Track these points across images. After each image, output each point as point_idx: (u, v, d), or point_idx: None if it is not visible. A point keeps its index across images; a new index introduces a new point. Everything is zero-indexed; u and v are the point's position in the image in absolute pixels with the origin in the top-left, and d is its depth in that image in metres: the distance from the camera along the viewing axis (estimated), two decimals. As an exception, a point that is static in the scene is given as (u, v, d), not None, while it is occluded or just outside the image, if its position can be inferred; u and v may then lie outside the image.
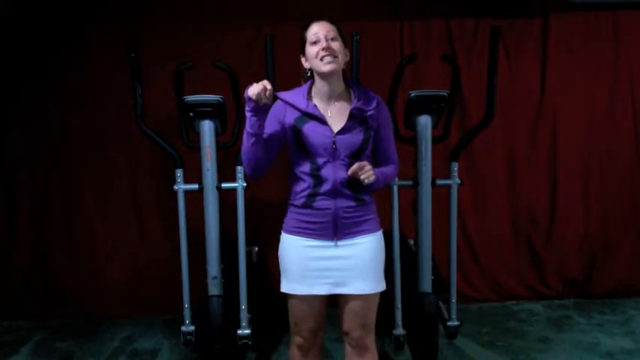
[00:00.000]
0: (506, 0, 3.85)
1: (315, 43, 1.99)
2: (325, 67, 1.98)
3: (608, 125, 4.02)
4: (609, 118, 4.02)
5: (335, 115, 2.03)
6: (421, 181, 2.98)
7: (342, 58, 2.03)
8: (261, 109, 1.93)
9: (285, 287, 2.10)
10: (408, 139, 3.09)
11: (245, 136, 2.00)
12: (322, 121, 2.00)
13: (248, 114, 1.94)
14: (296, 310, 2.11)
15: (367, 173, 1.94)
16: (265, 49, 2.86)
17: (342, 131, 1.99)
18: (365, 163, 1.96)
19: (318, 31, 2.00)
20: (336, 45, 1.99)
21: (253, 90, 1.87)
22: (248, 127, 1.96)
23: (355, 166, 1.93)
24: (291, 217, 2.09)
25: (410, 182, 3.01)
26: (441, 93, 2.90)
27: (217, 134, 3.02)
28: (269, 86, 1.88)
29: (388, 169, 2.15)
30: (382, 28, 3.86)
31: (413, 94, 2.87)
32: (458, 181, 3.03)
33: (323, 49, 1.97)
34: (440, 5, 3.90)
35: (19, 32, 3.75)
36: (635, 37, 3.97)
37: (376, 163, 2.14)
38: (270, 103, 1.94)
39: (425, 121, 2.95)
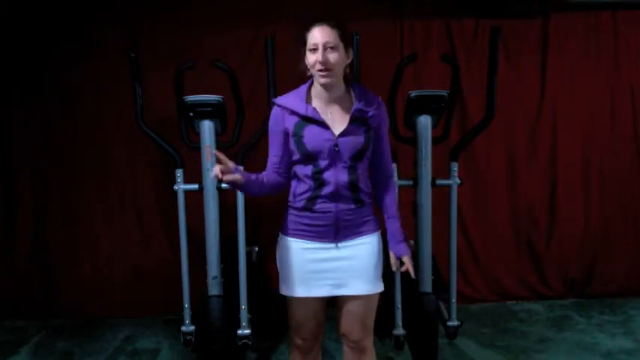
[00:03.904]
0: (506, 0, 3.85)
1: (313, 50, 1.93)
2: (320, 80, 1.95)
3: (608, 125, 4.02)
4: (609, 118, 4.02)
5: (335, 117, 1.99)
6: (421, 181, 2.98)
7: (341, 65, 1.97)
8: (239, 185, 1.96)
9: (285, 290, 2.09)
10: (408, 139, 3.09)
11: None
12: (323, 124, 1.96)
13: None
14: (296, 312, 2.10)
15: (411, 267, 2.12)
16: (265, 50, 2.86)
17: (343, 134, 1.96)
18: (408, 264, 2.11)
19: (318, 38, 1.91)
20: (334, 56, 1.91)
21: (224, 176, 1.88)
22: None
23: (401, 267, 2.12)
24: (291, 219, 2.07)
25: (410, 182, 3.01)
26: (441, 93, 2.91)
27: (217, 134, 3.02)
28: (218, 172, 1.85)
29: (392, 199, 2.16)
30: (382, 28, 3.86)
31: (413, 94, 2.88)
32: (458, 181, 3.03)
33: (319, 62, 1.91)
34: (440, 5, 3.90)
35: (19, 32, 3.75)
36: (635, 37, 3.97)
37: (372, 162, 2.09)
38: (241, 182, 1.94)
39: (425, 121, 2.95)
